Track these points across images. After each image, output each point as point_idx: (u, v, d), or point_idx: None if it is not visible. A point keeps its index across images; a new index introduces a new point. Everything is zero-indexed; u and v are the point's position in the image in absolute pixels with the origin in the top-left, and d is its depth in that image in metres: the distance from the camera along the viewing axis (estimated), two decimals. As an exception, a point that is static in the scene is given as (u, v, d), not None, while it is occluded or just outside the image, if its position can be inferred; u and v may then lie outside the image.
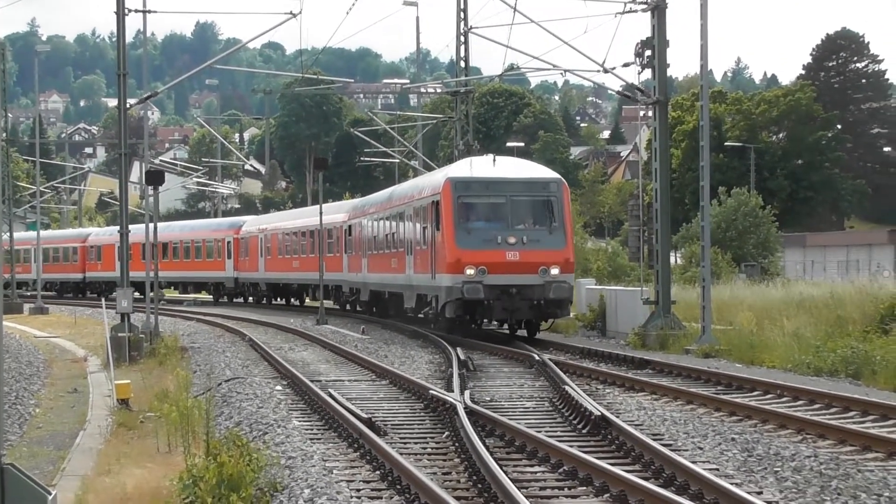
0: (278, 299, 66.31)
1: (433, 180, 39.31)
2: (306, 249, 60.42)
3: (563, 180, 38.04)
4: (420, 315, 41.09)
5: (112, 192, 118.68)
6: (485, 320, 36.95)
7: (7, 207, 65.80)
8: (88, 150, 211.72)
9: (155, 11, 41.92)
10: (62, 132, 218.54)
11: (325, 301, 54.05)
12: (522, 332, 37.06)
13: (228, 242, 69.92)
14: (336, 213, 58.35)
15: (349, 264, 53.47)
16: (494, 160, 38.48)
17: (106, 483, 15.85)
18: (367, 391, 25.65)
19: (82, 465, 17.77)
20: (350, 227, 54.08)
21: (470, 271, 32.36)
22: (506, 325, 39.06)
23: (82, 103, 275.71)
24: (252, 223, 71.23)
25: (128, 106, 43.01)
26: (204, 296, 78.35)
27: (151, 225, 48.86)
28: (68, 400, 27.00)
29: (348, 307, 58.48)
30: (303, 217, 63.63)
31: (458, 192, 34.06)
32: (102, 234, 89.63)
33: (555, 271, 33.24)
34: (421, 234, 37.86)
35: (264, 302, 67.44)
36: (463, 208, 33.95)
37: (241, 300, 72.42)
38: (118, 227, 67.94)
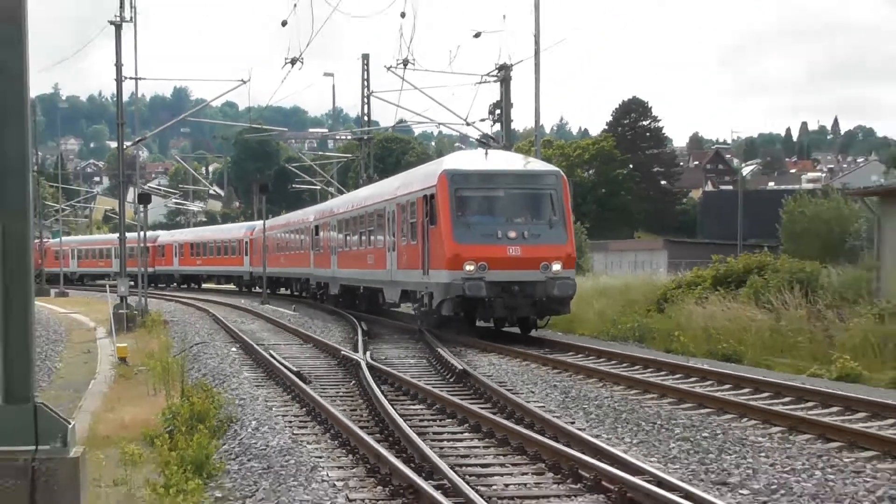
0: (281, 290, 58.96)
1: (424, 174, 30.28)
2: (284, 247, 54.74)
3: (562, 172, 29.29)
4: (411, 309, 32.55)
5: (113, 209, 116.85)
6: (482, 318, 28.35)
7: (38, 220, 64.49)
8: (97, 178, 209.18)
9: (144, 78, 41.47)
10: (77, 165, 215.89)
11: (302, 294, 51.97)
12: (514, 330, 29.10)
13: (245, 243, 64.76)
14: (304, 216, 51.87)
15: (315, 261, 46.14)
16: (486, 153, 30.40)
17: (110, 417, 15.82)
18: (297, 352, 25.57)
19: (93, 404, 17.70)
20: (317, 227, 46.31)
21: (469, 267, 25.17)
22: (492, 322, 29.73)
23: (92, 145, 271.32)
24: (260, 227, 65.33)
25: (124, 147, 42.61)
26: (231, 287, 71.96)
27: (142, 233, 48.33)
28: (83, 358, 26.79)
29: (317, 297, 48.52)
30: (290, 222, 57.74)
31: (455, 185, 26.39)
32: (166, 236, 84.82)
33: (557, 267, 25.97)
34: (408, 229, 29.69)
35: (268, 292, 61.80)
36: (460, 201, 26.40)
37: (257, 290, 62.75)
38: (154, 232, 66.90)
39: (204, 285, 73.64)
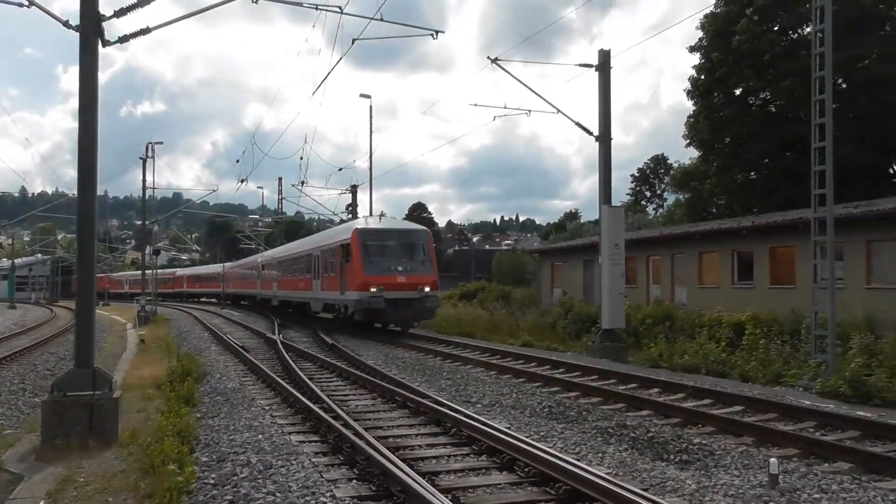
0: (240, 302, 50.80)
1: (341, 231, 25.82)
2: (243, 278, 48.24)
3: (428, 231, 25.01)
4: (329, 316, 27.52)
5: (138, 258, 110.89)
6: (380, 322, 24.19)
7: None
8: (128, 241, 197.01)
9: (157, 187, 39.65)
10: (117, 234, 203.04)
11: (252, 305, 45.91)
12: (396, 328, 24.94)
13: (221, 274, 56.82)
14: (254, 259, 45.70)
15: (261, 285, 40.08)
16: (381, 218, 25.82)
17: (134, 373, 14.70)
18: (242, 335, 24.46)
19: (125, 366, 16.42)
20: (263, 265, 40.21)
21: (373, 289, 21.64)
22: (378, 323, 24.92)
23: (126, 223, 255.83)
24: (228, 266, 57.98)
25: (147, 223, 40.23)
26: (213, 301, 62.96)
27: (152, 271, 45.68)
28: (119, 340, 24.87)
29: (262, 307, 40.90)
30: (240, 263, 52.28)
31: (363, 238, 22.68)
32: (181, 272, 77.36)
33: (427, 289, 22.25)
34: (329, 266, 25.18)
35: (229, 303, 53.76)
36: (366, 248, 22.56)
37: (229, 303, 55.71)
38: (174, 269, 62.03)
39: (202, 300, 68.51)
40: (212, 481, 6.61)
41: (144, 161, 36.15)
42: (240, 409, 10.35)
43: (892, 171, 31.76)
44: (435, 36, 16.11)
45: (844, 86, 28.99)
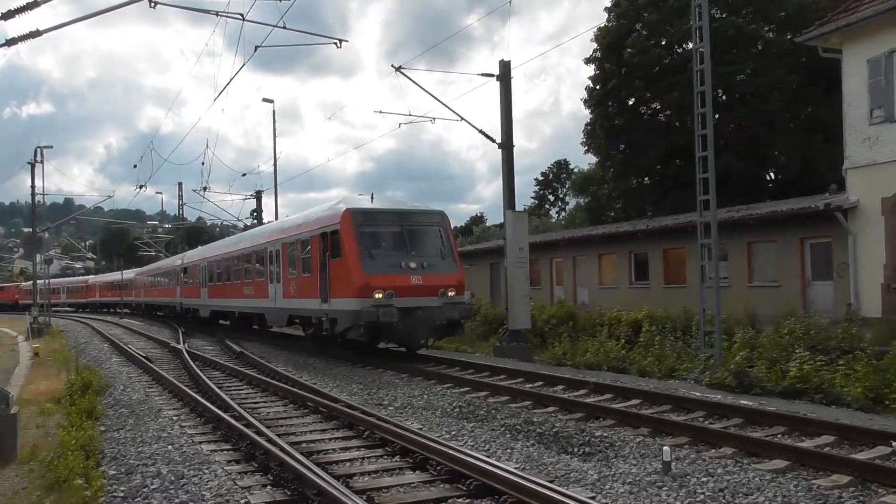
0: (156, 314, 42.49)
1: (317, 215, 17.90)
2: (156, 285, 40.54)
3: (445, 213, 17.15)
4: (303, 332, 20.58)
5: (26, 267, 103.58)
6: (384, 341, 16.88)
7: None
8: (15, 250, 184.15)
9: (47, 192, 37.32)
10: (2, 242, 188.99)
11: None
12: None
13: (127, 283, 50.13)
14: (172, 261, 37.30)
15: (183, 293, 32.73)
16: (372, 197, 17.10)
17: (30, 388, 13.91)
18: (146, 345, 23.44)
19: (19, 381, 15.48)
20: (185, 269, 32.20)
21: (379, 295, 14.87)
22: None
23: (12, 230, 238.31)
24: (137, 272, 49.83)
25: (37, 231, 37.98)
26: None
27: (43, 280, 42.99)
28: (11, 353, 23.40)
29: (186, 319, 32.99)
30: (159, 268, 41.65)
31: (358, 223, 15.76)
32: (93, 279, 69.08)
33: (452, 293, 15.67)
34: (300, 264, 18.10)
35: (131, 313, 47.98)
36: (363, 237, 15.64)
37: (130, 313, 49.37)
38: (85, 277, 57.58)
39: (114, 309, 62.63)
40: (121, 494, 6.43)
41: (33, 166, 34.21)
42: (146, 421, 10.04)
43: (768, 179, 34.07)
44: (339, 45, 16.14)
45: (724, 98, 30.87)
